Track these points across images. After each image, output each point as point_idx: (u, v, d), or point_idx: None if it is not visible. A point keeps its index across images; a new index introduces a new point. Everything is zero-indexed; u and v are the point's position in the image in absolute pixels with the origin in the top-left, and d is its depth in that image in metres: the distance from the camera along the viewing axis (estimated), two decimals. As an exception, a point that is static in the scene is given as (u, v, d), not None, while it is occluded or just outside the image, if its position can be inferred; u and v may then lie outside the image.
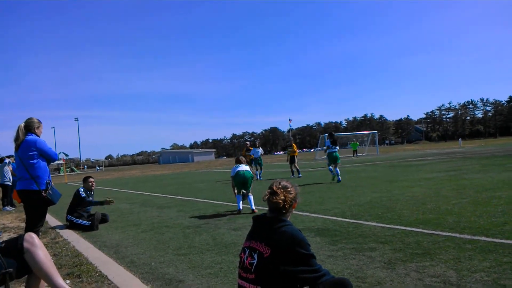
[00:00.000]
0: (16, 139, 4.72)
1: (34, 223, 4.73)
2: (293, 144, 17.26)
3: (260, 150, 18.19)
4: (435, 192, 8.32)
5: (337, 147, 13.37)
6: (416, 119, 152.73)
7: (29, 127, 4.79)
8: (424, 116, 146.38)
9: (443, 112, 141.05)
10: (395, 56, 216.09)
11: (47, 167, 4.93)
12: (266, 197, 2.51)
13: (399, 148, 61.07)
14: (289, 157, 16.88)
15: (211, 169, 34.17)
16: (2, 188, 12.52)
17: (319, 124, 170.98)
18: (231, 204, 9.05)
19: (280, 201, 2.45)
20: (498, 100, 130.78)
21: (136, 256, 4.90)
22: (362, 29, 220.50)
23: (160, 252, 4.97)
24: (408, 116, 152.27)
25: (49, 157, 4.89)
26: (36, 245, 3.02)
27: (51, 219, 8.93)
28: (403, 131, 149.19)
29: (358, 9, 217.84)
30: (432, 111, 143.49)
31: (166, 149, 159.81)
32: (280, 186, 2.52)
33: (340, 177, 12.65)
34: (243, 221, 6.64)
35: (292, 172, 17.12)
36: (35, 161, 4.70)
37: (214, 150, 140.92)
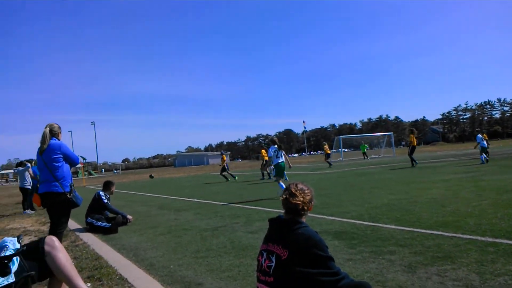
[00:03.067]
0: (43, 143, 4.86)
1: (58, 225, 4.82)
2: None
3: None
4: (454, 194, 8.19)
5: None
6: (432, 120, 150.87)
7: (53, 132, 4.96)
8: (440, 116, 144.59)
9: (459, 112, 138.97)
10: (411, 56, 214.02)
11: (70, 170, 5.04)
12: (283, 198, 2.51)
13: (416, 150, 60.28)
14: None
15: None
16: (22, 192, 12.75)
17: (333, 126, 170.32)
18: (247, 207, 9.07)
19: (299, 202, 2.45)
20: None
21: (155, 259, 4.94)
22: (377, 29, 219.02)
23: (179, 255, 5.00)
24: (424, 117, 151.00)
25: (72, 161, 5.03)
26: (57, 248, 3.07)
27: (70, 222, 9.06)
28: (419, 132, 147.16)
29: (374, 8, 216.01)
30: (448, 112, 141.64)
31: (182, 152, 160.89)
32: (298, 188, 2.53)
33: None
34: (260, 224, 6.64)
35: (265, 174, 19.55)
36: (59, 164, 4.85)
37: (229, 152, 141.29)
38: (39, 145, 4.91)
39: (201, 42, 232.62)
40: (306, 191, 2.53)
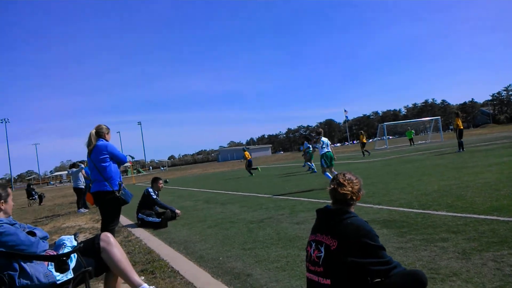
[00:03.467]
0: (89, 144, 5.05)
1: (109, 222, 5.01)
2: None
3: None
4: (508, 178, 7.79)
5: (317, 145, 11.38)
6: (481, 102, 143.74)
7: (100, 133, 5.11)
8: (490, 98, 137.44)
9: (510, 92, 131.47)
10: (456, 37, 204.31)
11: (118, 169, 5.22)
12: (332, 187, 2.49)
13: (466, 133, 57.52)
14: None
15: (268, 165, 34.37)
16: (76, 191, 13.39)
17: (376, 113, 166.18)
18: (291, 198, 9.06)
19: (348, 192, 2.43)
20: None
21: (204, 251, 5.05)
22: (419, 9, 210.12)
23: (227, 247, 5.09)
24: (472, 99, 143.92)
25: (119, 160, 5.18)
26: (112, 243, 3.20)
27: (122, 219, 9.43)
28: (468, 115, 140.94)
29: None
30: (498, 92, 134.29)
31: (224, 147, 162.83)
32: (346, 178, 2.50)
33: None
34: (305, 215, 6.62)
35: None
36: (107, 164, 5.01)
37: (270, 145, 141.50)
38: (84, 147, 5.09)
39: (237, 39, 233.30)
40: (354, 181, 2.50)
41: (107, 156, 5.01)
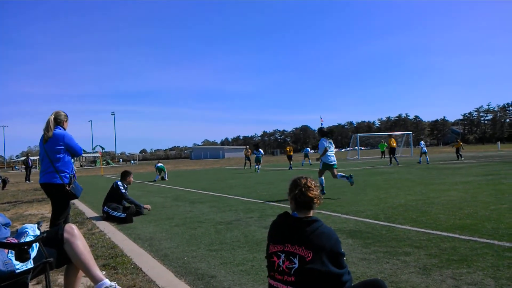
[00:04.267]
0: (47, 130, 4.76)
1: (57, 215, 4.84)
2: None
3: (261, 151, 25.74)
4: (473, 197, 8.05)
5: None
6: (452, 121, 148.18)
7: (58, 120, 4.86)
8: (461, 117, 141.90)
9: (481, 114, 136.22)
10: (432, 55, 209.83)
11: (71, 161, 5.04)
12: (297, 192, 2.41)
13: (435, 150, 59.42)
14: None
15: (241, 166, 34.32)
16: None
17: (351, 123, 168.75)
18: (261, 201, 9.09)
19: (315, 195, 2.40)
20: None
21: (169, 250, 4.99)
22: (398, 26, 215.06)
23: (193, 247, 5.05)
24: (444, 117, 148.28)
25: (75, 152, 4.96)
26: (76, 235, 3.12)
27: (87, 210, 9.24)
28: (438, 133, 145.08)
29: (393, 8, 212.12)
30: (469, 113, 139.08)
31: (198, 145, 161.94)
32: (311, 181, 2.46)
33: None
34: (274, 219, 6.63)
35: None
36: (60, 155, 4.78)
37: (245, 147, 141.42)
38: (43, 130, 4.81)
39: (223, 40, 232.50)
40: (316, 185, 2.47)
41: (62, 147, 4.77)
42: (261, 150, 25.76)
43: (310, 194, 2.39)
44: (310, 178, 2.51)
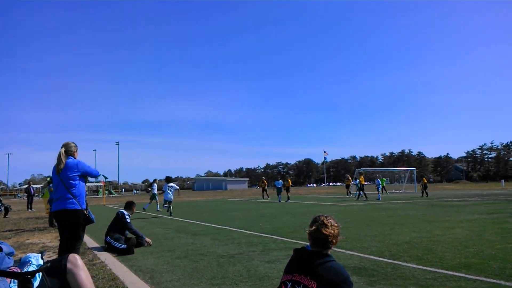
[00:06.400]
0: (59, 163, 4.94)
1: (74, 241, 4.85)
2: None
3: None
4: (478, 235, 7.96)
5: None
6: (456, 158, 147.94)
7: (68, 151, 5.06)
8: (465, 154, 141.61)
9: (485, 151, 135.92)
10: (436, 91, 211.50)
11: (85, 188, 5.17)
12: (314, 228, 2.50)
13: (439, 187, 59.02)
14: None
15: (244, 198, 34.16)
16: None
17: (354, 158, 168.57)
18: (264, 235, 8.99)
19: (330, 234, 2.45)
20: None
21: (170, 283, 4.92)
22: (403, 62, 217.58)
23: (194, 281, 4.97)
24: (448, 154, 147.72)
25: (91, 175, 5.19)
26: (79, 266, 3.10)
27: (89, 240, 9.16)
28: (442, 169, 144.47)
29: (400, 41, 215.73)
30: (473, 150, 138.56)
31: (201, 176, 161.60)
32: (329, 220, 2.53)
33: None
34: (277, 254, 6.57)
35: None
36: (76, 182, 4.95)
37: (248, 179, 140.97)
38: (55, 163, 5.00)
39: (220, 68, 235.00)
40: (335, 224, 2.54)
41: (77, 174, 4.96)
42: (281, 181, 27.19)
43: (325, 232, 2.46)
44: (330, 216, 2.59)
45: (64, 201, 4.84)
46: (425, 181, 28.52)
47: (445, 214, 13.18)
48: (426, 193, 27.66)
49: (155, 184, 20.23)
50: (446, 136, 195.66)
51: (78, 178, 4.96)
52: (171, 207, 16.73)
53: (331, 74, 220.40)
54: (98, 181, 63.48)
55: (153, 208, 19.67)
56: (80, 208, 4.86)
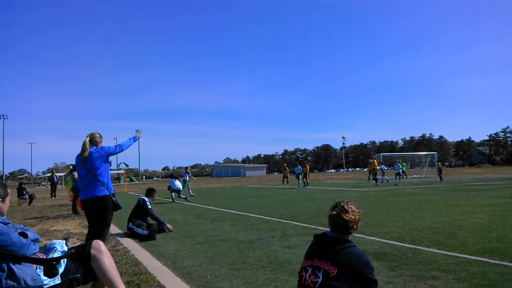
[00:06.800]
0: (83, 151, 4.98)
1: (103, 228, 4.94)
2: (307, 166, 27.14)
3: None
4: (501, 220, 7.82)
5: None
6: (478, 141, 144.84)
7: (93, 141, 5.09)
8: (487, 138, 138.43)
9: (508, 134, 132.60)
10: (458, 75, 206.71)
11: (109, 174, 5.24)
12: (335, 213, 2.49)
13: (460, 171, 58.04)
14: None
15: (262, 185, 34.27)
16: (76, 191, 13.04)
17: (373, 143, 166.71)
18: (283, 221, 9.02)
19: (351, 219, 2.45)
20: None
21: (192, 268, 5.00)
22: (424, 46, 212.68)
23: (215, 266, 5.04)
24: (470, 137, 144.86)
25: (116, 152, 5.24)
26: (103, 252, 3.17)
27: (112, 227, 9.31)
28: (464, 153, 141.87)
29: (421, 26, 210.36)
30: (496, 133, 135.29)
31: (219, 163, 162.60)
32: (349, 206, 2.52)
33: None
34: (296, 240, 6.59)
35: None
36: (102, 169, 4.99)
37: (266, 165, 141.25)
38: (79, 151, 5.04)
39: (239, 56, 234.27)
40: (356, 210, 2.53)
41: (102, 160, 5.00)
42: (299, 166, 27.19)
43: (345, 217, 2.46)
44: (350, 202, 2.58)
45: (93, 189, 4.90)
46: (440, 166, 29.44)
47: (466, 198, 12.97)
48: (441, 177, 28.12)
49: (186, 172, 21.22)
50: (468, 119, 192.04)
51: (103, 166, 5.01)
52: (180, 195, 17.43)
53: (351, 59, 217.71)
54: (120, 169, 64.63)
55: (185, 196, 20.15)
56: (109, 194, 4.94)
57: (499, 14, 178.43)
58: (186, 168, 21.75)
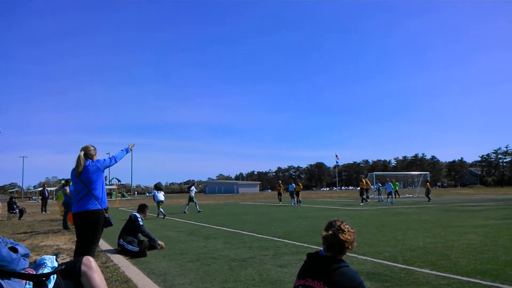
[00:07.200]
0: (77, 166, 4.97)
1: (89, 245, 4.86)
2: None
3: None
4: (493, 241, 7.84)
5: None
6: (470, 162, 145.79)
7: (88, 155, 5.08)
8: (479, 159, 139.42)
9: (499, 156, 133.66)
10: (450, 95, 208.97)
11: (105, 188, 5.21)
12: (331, 233, 2.48)
13: (452, 191, 58.27)
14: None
15: (255, 202, 34.12)
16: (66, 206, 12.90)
17: (366, 161, 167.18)
18: (276, 239, 8.97)
19: (347, 240, 2.44)
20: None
21: (183, 286, 4.94)
22: (417, 64, 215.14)
23: (207, 284, 4.98)
24: (462, 158, 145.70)
25: (111, 165, 5.24)
26: (93, 269, 3.14)
27: (102, 243, 9.23)
28: (456, 174, 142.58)
29: (415, 42, 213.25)
30: (487, 154, 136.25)
31: (212, 179, 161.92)
32: (346, 225, 2.52)
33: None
34: (289, 258, 6.55)
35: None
36: (97, 183, 4.98)
37: (259, 182, 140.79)
38: (74, 166, 5.02)
39: (232, 71, 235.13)
40: (351, 230, 2.53)
41: (97, 174, 4.98)
42: (293, 184, 27.36)
43: (341, 237, 2.45)
44: (345, 222, 2.58)
45: (86, 202, 4.87)
46: (428, 186, 29.71)
47: (459, 219, 13.01)
48: (428, 197, 28.43)
49: (193, 186, 21.97)
50: (460, 140, 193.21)
51: (99, 178, 5.00)
52: (159, 208, 18.13)
53: (344, 77, 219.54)
54: (111, 184, 64.15)
55: (193, 210, 20.33)
56: (101, 208, 4.90)
57: (491, 31, 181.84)
58: (193, 183, 21.97)
